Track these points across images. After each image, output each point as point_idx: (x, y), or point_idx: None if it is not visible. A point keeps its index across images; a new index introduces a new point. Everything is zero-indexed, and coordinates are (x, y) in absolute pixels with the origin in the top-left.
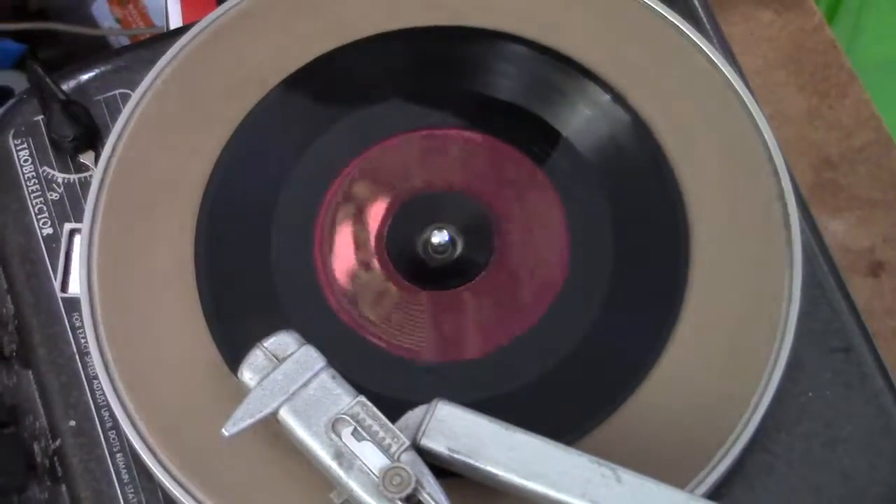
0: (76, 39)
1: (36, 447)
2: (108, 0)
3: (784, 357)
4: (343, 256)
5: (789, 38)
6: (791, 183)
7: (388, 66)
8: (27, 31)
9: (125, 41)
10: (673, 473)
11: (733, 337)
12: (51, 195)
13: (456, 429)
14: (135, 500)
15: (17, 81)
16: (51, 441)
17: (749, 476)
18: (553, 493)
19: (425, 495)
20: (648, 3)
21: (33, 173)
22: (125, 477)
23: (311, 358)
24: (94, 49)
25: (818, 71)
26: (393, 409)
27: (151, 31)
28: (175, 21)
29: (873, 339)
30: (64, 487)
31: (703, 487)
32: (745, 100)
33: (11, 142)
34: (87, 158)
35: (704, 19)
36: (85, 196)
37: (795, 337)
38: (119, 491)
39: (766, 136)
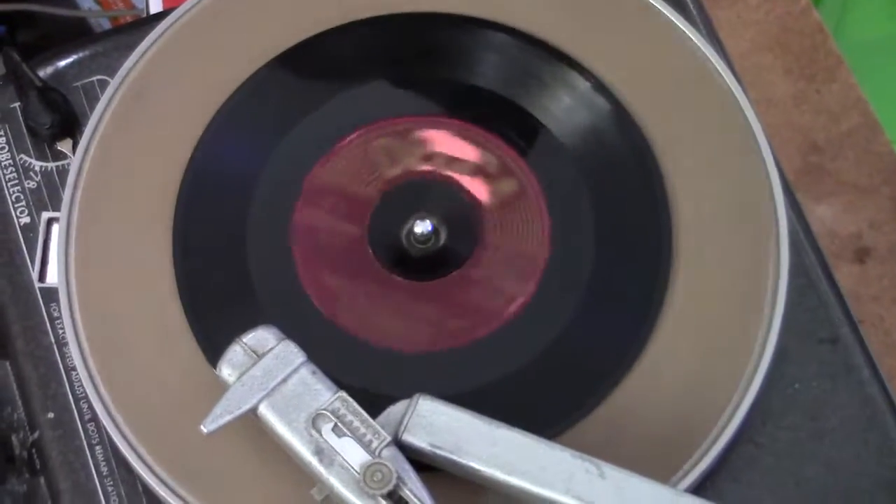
0: (55, 21)
1: (14, 439)
2: None
3: (770, 348)
4: (324, 248)
5: (776, 21)
6: (777, 170)
7: (369, 54)
8: (5, 12)
9: (105, 22)
10: (658, 467)
11: (719, 328)
12: (28, 184)
13: (437, 424)
14: (114, 492)
15: None
16: (29, 433)
17: (734, 469)
18: (536, 489)
19: (407, 491)
20: None
21: (10, 161)
22: (104, 469)
23: (291, 353)
24: (74, 30)
25: (805, 54)
26: (374, 404)
27: (132, 13)
28: (154, 4)
29: (860, 329)
30: (43, 480)
31: (689, 480)
32: (731, 85)
33: None
34: (64, 146)
35: (690, 4)
36: (63, 185)
37: (782, 327)
38: (98, 483)
39: (751, 121)
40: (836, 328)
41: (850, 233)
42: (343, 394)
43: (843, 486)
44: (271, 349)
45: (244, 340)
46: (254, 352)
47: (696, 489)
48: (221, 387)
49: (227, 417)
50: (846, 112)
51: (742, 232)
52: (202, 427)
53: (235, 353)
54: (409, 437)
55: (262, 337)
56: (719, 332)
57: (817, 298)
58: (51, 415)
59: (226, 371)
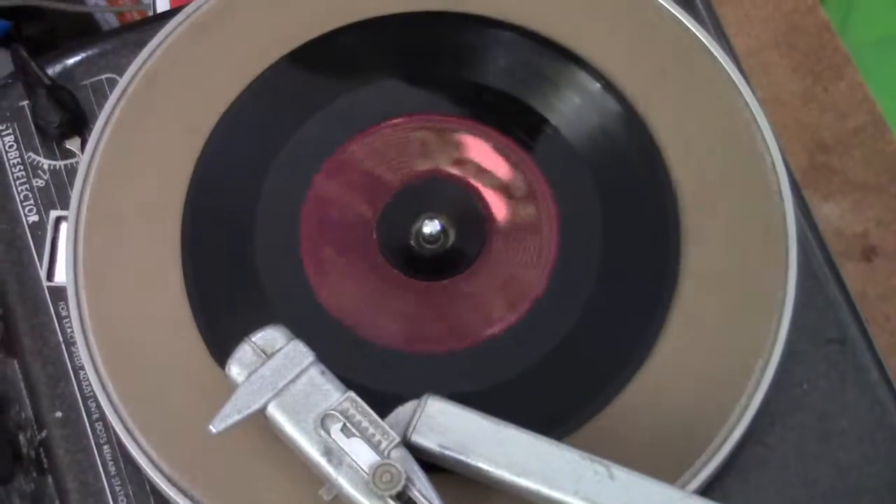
0: (62, 16)
1: (22, 438)
2: None
3: (779, 348)
4: (332, 248)
5: (783, 18)
6: (785, 169)
7: (378, 52)
8: (12, 7)
9: (112, 18)
10: (666, 468)
11: (727, 329)
12: (36, 182)
13: (446, 425)
14: (121, 492)
15: (1, 59)
16: (37, 432)
17: (743, 469)
18: (545, 490)
19: (416, 492)
20: None
21: (18, 160)
22: (112, 469)
23: (300, 353)
24: (80, 26)
25: (812, 52)
26: (383, 404)
27: (138, 9)
28: (162, 1)
29: (868, 329)
30: (50, 479)
31: (697, 482)
32: (738, 83)
33: None
34: (73, 145)
35: (698, 2)
36: (71, 183)
37: (790, 328)
38: (106, 483)
39: (759, 120)
40: (844, 328)
41: (856, 231)
42: (352, 394)
43: (851, 487)
44: (280, 349)
45: (253, 340)
46: (263, 351)
47: (704, 490)
48: (230, 386)
49: (236, 417)
50: (853, 110)
51: (750, 231)
52: (211, 427)
53: (245, 352)
54: (418, 438)
55: (271, 336)
56: (728, 333)
57: (825, 299)
58: (59, 414)
59: (235, 370)
